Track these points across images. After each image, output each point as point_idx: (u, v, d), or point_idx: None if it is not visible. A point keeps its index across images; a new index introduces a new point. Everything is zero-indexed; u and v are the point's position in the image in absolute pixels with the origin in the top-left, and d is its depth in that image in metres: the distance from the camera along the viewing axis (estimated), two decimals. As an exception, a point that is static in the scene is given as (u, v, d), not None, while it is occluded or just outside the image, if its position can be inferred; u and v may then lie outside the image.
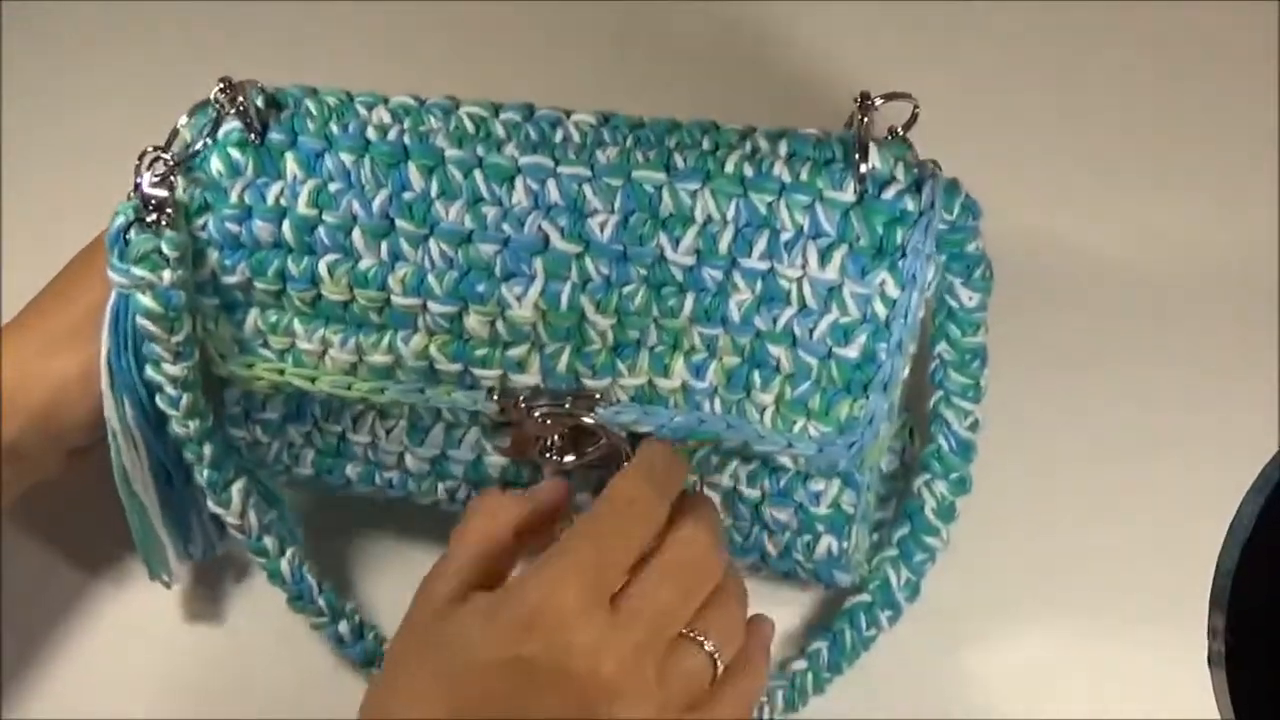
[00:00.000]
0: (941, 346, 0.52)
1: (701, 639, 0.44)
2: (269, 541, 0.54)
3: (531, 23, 0.66)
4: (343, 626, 0.55)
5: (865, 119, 0.45)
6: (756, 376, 0.47)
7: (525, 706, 0.41)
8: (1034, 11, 0.65)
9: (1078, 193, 0.61)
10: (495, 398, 0.48)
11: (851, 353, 0.46)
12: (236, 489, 0.53)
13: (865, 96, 0.45)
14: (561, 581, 0.42)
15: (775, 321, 0.46)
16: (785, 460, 0.50)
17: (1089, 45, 0.64)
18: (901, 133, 0.46)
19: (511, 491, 0.50)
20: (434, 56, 0.63)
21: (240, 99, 0.47)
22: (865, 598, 0.54)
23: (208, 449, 0.52)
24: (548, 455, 0.50)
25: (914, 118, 0.46)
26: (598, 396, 0.48)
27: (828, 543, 0.51)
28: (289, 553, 0.54)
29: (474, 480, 0.53)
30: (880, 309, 0.45)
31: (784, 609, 0.55)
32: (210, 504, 0.53)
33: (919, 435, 0.55)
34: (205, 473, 0.52)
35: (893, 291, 0.45)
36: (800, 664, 0.54)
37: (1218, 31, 0.63)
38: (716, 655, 0.45)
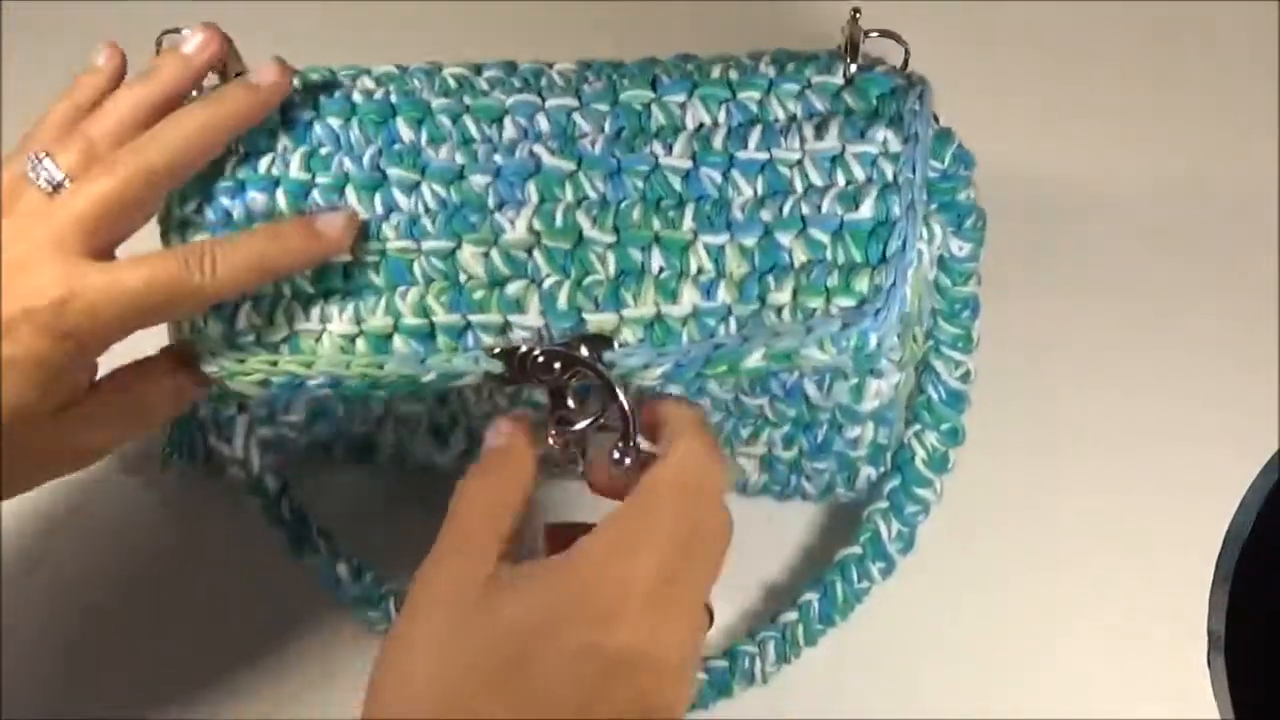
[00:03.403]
0: (932, 296, 0.51)
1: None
2: (269, 481, 0.54)
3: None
4: (341, 568, 0.54)
5: (856, 15, 0.45)
6: (769, 280, 0.45)
7: (600, 700, 0.38)
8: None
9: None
10: (496, 352, 0.45)
11: (864, 214, 0.44)
12: (241, 422, 0.53)
13: (856, 10, 0.45)
14: (637, 569, 0.39)
15: (781, 210, 0.45)
16: (813, 351, 0.45)
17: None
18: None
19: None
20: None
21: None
22: (856, 550, 0.53)
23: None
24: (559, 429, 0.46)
25: (906, 59, 0.46)
26: (603, 340, 0.45)
27: (866, 472, 0.53)
28: (288, 494, 0.54)
29: None
30: (886, 167, 0.44)
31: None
32: (212, 439, 0.53)
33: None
34: (209, 405, 0.53)
35: (895, 146, 0.44)
36: (791, 615, 0.53)
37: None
38: (711, 610, 0.43)
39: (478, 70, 0.48)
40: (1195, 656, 0.53)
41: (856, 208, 0.44)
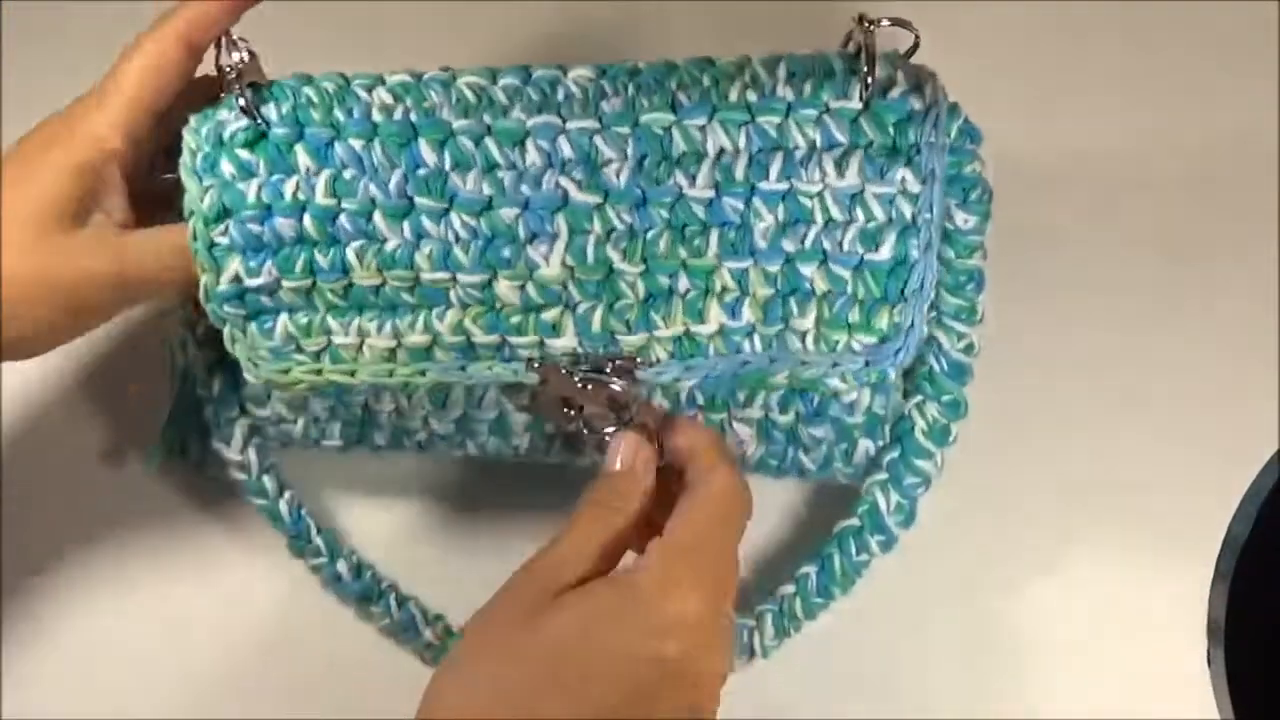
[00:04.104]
0: (937, 268, 0.50)
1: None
2: (268, 482, 0.55)
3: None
4: (341, 565, 0.56)
5: (872, 27, 0.45)
6: (792, 304, 0.47)
7: (652, 702, 0.42)
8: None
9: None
10: (536, 366, 0.48)
11: (883, 256, 0.46)
12: (240, 426, 0.54)
13: (869, 22, 0.46)
14: (697, 592, 0.43)
15: (803, 240, 0.46)
16: (835, 381, 0.49)
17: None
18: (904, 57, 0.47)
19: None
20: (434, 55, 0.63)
21: (238, 90, 0.47)
22: (854, 522, 0.53)
23: (216, 383, 0.53)
24: (583, 427, 0.50)
25: (915, 46, 0.46)
26: (637, 360, 0.48)
27: (865, 446, 0.53)
28: (287, 494, 0.56)
29: (500, 434, 0.54)
30: (905, 207, 0.46)
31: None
32: (214, 441, 0.55)
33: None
34: (211, 409, 0.54)
35: (914, 187, 0.46)
36: (789, 588, 0.54)
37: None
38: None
39: (493, 78, 0.48)
40: (1195, 656, 0.54)
41: (876, 249, 0.46)
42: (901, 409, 0.54)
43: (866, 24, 0.45)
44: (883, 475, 0.53)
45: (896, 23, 0.46)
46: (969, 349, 0.53)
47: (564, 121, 0.46)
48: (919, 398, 0.53)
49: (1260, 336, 0.59)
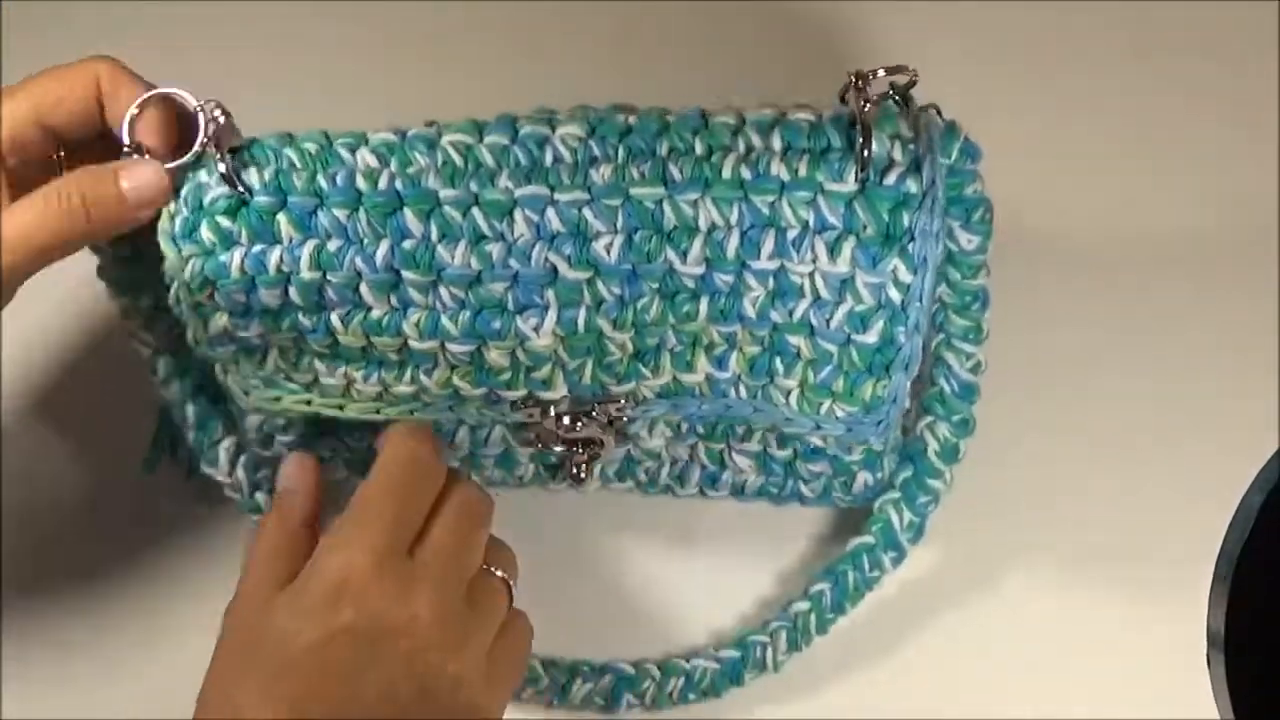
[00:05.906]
0: (942, 289, 0.51)
1: (493, 568, 0.46)
2: (261, 499, 0.54)
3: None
4: None
5: (866, 105, 0.44)
6: (778, 363, 0.48)
7: (360, 676, 0.42)
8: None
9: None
10: (524, 406, 0.49)
11: (870, 339, 0.46)
12: (224, 448, 0.53)
13: (859, 76, 0.44)
14: (356, 545, 0.43)
15: (791, 314, 0.47)
16: (815, 440, 0.51)
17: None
18: (900, 99, 0.45)
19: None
20: (432, 58, 0.62)
21: (218, 156, 0.45)
22: (868, 539, 0.54)
23: (190, 411, 0.52)
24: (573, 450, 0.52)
25: (911, 84, 0.45)
26: (622, 402, 0.49)
27: (863, 478, 0.54)
28: None
29: (506, 467, 0.55)
30: (895, 294, 0.45)
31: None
32: (202, 466, 0.54)
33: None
34: (192, 435, 0.53)
35: (905, 277, 0.45)
36: (803, 605, 0.54)
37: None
38: (508, 580, 0.47)
39: (479, 134, 0.46)
40: (1195, 656, 0.54)
41: (864, 331, 0.46)
42: (900, 443, 0.54)
43: (863, 98, 0.44)
44: (895, 494, 0.54)
45: (891, 71, 0.45)
46: (976, 368, 0.53)
47: (553, 191, 0.45)
48: (930, 418, 0.54)
49: (1260, 337, 0.59)
